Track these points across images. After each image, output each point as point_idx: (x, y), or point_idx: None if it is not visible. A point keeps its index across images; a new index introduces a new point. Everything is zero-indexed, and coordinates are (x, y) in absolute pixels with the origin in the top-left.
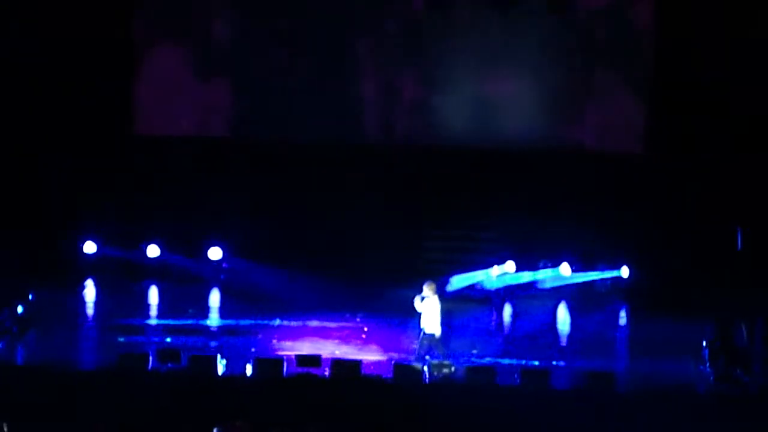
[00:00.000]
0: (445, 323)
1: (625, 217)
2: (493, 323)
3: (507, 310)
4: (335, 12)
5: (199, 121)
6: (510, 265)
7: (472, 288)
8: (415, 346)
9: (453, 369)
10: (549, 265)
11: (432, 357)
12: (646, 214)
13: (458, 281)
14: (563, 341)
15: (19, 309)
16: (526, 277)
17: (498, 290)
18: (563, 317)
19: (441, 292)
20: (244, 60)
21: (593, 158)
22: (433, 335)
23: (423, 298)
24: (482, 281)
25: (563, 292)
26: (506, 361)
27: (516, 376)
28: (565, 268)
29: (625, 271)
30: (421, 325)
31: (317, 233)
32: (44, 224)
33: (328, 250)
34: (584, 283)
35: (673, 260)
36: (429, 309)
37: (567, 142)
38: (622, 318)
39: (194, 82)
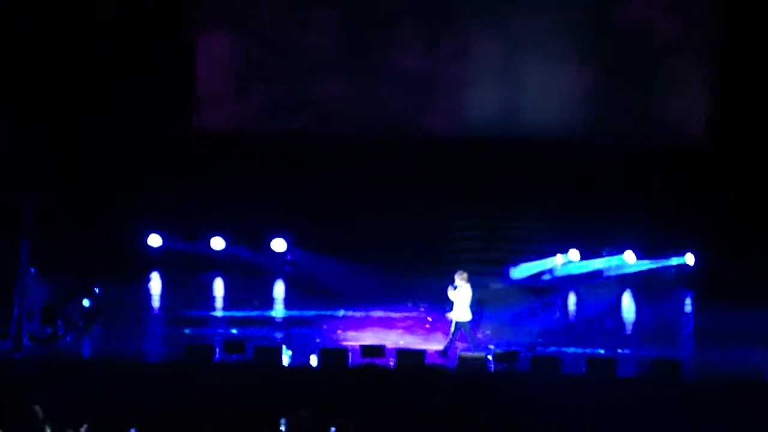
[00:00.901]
0: (512, 312)
1: (690, 205)
2: (557, 312)
3: (572, 299)
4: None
5: (262, 114)
6: (574, 254)
7: (536, 277)
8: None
9: (483, 358)
10: (613, 253)
11: (463, 347)
12: (711, 202)
13: (523, 270)
14: (628, 329)
15: (86, 302)
16: (591, 265)
17: (563, 279)
18: (628, 305)
19: (505, 281)
20: (301, 55)
21: (660, 148)
22: (464, 323)
23: (455, 287)
24: (547, 270)
25: (628, 280)
26: (571, 349)
27: (581, 364)
28: (629, 256)
29: (690, 258)
30: (451, 314)
31: (380, 224)
32: (110, 218)
33: (392, 241)
34: (649, 270)
35: (738, 247)
36: (461, 298)
37: (633, 132)
38: (688, 305)
39: (257, 75)
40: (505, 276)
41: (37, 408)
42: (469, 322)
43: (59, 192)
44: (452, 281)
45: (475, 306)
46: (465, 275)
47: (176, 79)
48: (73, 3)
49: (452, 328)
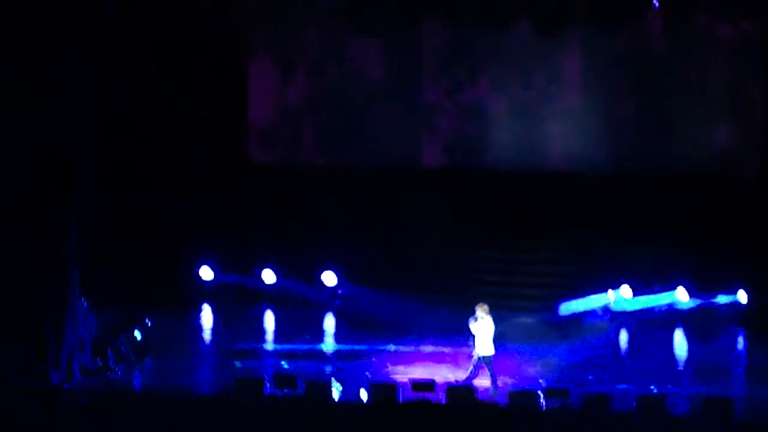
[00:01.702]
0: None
1: (743, 241)
2: (608, 348)
3: (622, 335)
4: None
5: (313, 148)
6: (626, 290)
7: (587, 312)
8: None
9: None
10: (665, 289)
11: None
12: (764, 238)
13: (573, 305)
14: (680, 366)
15: (137, 335)
16: (642, 301)
17: (614, 314)
18: (680, 342)
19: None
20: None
21: (710, 181)
22: (487, 357)
23: (477, 319)
24: (598, 305)
25: (680, 317)
26: (622, 386)
27: (632, 401)
28: (681, 293)
29: (743, 296)
30: (475, 348)
31: (430, 258)
32: (162, 250)
33: (442, 276)
34: (701, 307)
35: None
36: (483, 331)
37: (683, 165)
38: (740, 343)
39: (307, 110)
40: (556, 312)
41: None
42: (492, 356)
43: (111, 224)
44: (473, 313)
45: (521, 341)
46: (486, 307)
47: (229, 111)
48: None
49: (474, 362)
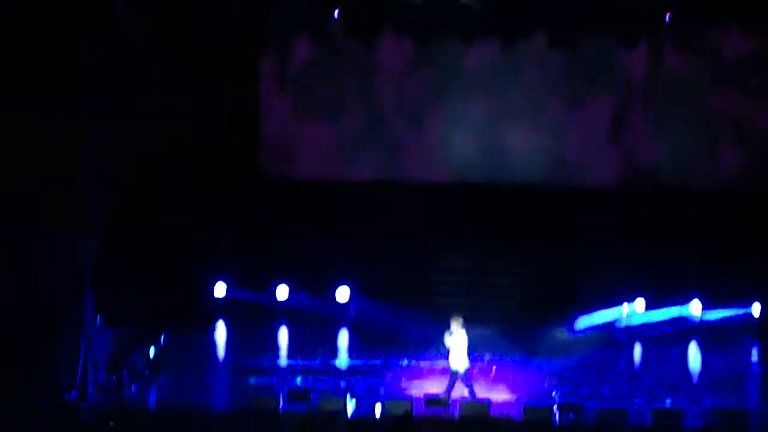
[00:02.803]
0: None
1: (756, 254)
2: (622, 362)
3: (637, 350)
4: None
5: (326, 164)
6: (640, 304)
7: (601, 327)
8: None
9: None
10: (679, 303)
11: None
12: None
13: (587, 320)
14: (695, 380)
15: (151, 351)
16: (656, 315)
17: (627, 329)
18: (694, 356)
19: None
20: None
21: (724, 196)
22: (458, 371)
23: (452, 333)
24: (612, 320)
25: (694, 331)
26: (637, 401)
27: (648, 416)
28: (695, 307)
29: (756, 309)
30: (449, 361)
31: (444, 274)
32: (175, 267)
33: (455, 290)
34: (715, 321)
35: None
36: (456, 344)
37: (696, 179)
38: (754, 356)
39: (321, 125)
40: (571, 326)
41: None
42: (467, 369)
43: (125, 241)
44: (450, 327)
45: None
46: (460, 320)
47: (242, 126)
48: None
49: (451, 376)
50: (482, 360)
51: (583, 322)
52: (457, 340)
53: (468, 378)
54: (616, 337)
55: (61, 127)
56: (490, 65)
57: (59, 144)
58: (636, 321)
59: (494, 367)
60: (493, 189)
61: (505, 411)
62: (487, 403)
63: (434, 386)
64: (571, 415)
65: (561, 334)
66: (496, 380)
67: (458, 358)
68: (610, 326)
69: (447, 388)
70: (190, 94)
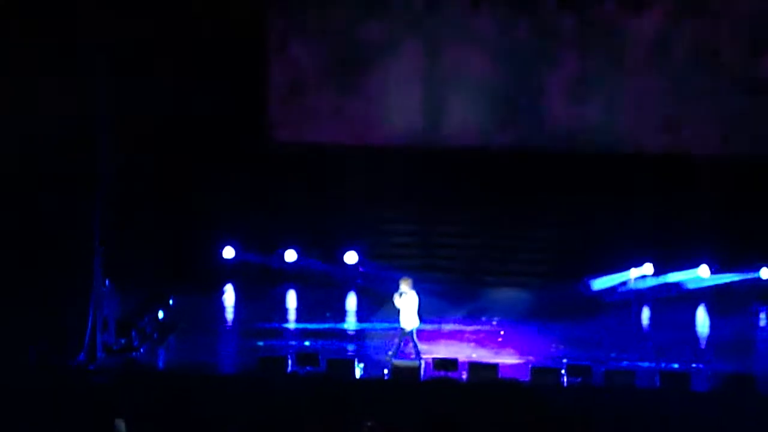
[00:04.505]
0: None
1: (765, 219)
2: (630, 326)
3: (645, 313)
4: None
5: (335, 128)
6: (648, 268)
7: (610, 291)
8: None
9: (418, 366)
10: (687, 267)
11: (401, 354)
12: None
13: (597, 284)
14: (703, 344)
15: (160, 314)
16: (665, 279)
17: (636, 292)
18: (702, 320)
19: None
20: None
21: (735, 161)
22: (406, 330)
23: (402, 294)
24: (621, 284)
25: (702, 295)
26: (645, 364)
27: (656, 379)
28: (704, 270)
29: (765, 273)
30: (400, 322)
31: (452, 237)
32: (184, 230)
33: (464, 254)
34: (723, 284)
35: None
36: (407, 305)
37: (708, 147)
38: (762, 320)
39: (330, 89)
40: (580, 289)
41: (119, 422)
42: (415, 329)
43: (134, 204)
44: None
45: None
46: (409, 281)
47: (251, 89)
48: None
49: (402, 336)
50: (491, 323)
51: (593, 285)
52: (407, 301)
53: (415, 338)
54: (625, 300)
55: (72, 86)
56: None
57: (69, 105)
58: (645, 285)
59: (502, 331)
60: (509, 154)
61: (513, 374)
62: (495, 365)
63: (442, 350)
64: (579, 377)
65: (570, 297)
66: (504, 343)
67: (408, 318)
68: (618, 290)
69: (395, 347)
70: (198, 58)
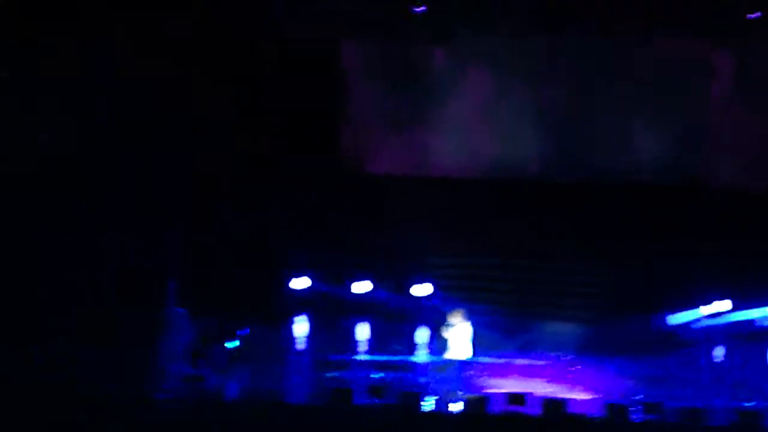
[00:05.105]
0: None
1: None
2: (706, 363)
3: (720, 350)
4: None
5: (404, 158)
6: (725, 304)
7: (684, 327)
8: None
9: (487, 399)
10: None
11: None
12: None
13: (671, 319)
14: None
15: (232, 344)
16: (741, 315)
17: (711, 329)
18: None
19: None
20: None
21: None
22: (453, 362)
23: (450, 327)
24: (695, 320)
25: None
26: (719, 401)
27: (730, 417)
28: None
29: None
30: (449, 353)
31: (524, 272)
32: (256, 260)
33: (537, 289)
34: None
35: None
36: (458, 337)
37: None
38: None
39: (400, 120)
40: (653, 325)
41: None
42: (461, 361)
43: (207, 232)
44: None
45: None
46: (462, 313)
47: (324, 123)
48: None
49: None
50: (562, 359)
51: (667, 321)
52: (458, 332)
53: (463, 371)
54: (699, 337)
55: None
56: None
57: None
58: (719, 321)
59: (574, 367)
60: (577, 186)
61: (584, 409)
62: (566, 401)
63: (513, 384)
64: (651, 414)
65: (643, 333)
66: (575, 379)
67: (458, 350)
68: (692, 326)
69: (461, 381)
70: (272, 86)
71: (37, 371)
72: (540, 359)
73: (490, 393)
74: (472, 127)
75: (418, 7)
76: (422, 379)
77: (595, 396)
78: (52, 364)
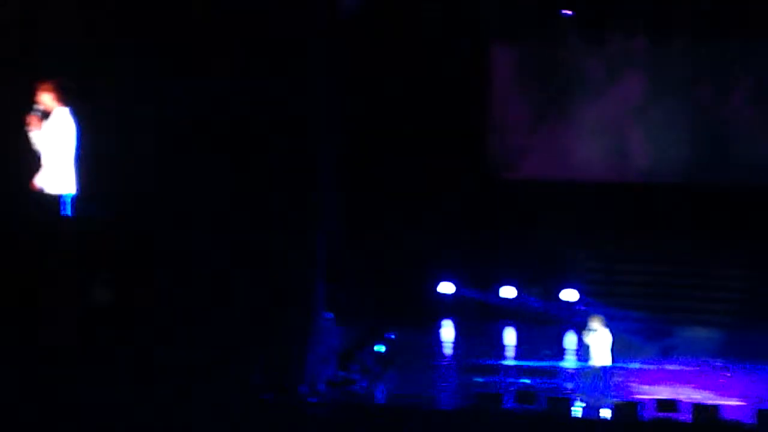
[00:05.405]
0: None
1: None
2: None
3: None
4: None
5: (550, 163)
6: None
7: None
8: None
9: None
10: None
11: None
12: None
13: None
14: None
15: (381, 348)
16: None
17: None
18: None
19: None
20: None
21: None
22: (598, 368)
23: (591, 332)
24: None
25: None
26: None
27: None
28: None
29: None
30: (594, 359)
31: (667, 276)
32: (404, 264)
33: (680, 293)
34: None
35: None
36: (598, 343)
37: None
38: None
39: (547, 124)
40: None
41: None
42: (602, 368)
43: (355, 238)
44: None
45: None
46: (601, 318)
47: (470, 126)
48: None
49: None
50: (713, 365)
51: None
52: (597, 339)
53: (611, 376)
54: None
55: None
56: None
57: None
58: None
59: (725, 373)
60: (721, 189)
61: (736, 416)
62: (718, 407)
63: (664, 390)
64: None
65: None
66: (726, 385)
67: (598, 357)
68: None
69: (610, 387)
70: (418, 93)
71: (191, 375)
72: (689, 365)
73: (640, 399)
74: (621, 131)
75: (567, 11)
76: (570, 385)
77: (746, 403)
78: (204, 367)
